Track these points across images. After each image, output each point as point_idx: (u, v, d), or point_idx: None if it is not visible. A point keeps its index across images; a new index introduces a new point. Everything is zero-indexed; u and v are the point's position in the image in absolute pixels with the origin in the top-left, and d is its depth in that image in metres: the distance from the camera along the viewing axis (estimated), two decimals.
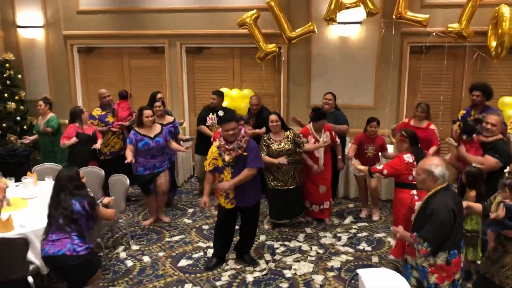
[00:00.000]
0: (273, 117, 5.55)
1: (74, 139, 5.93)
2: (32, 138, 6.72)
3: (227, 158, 4.54)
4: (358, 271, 2.53)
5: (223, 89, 7.33)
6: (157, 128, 5.74)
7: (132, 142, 5.57)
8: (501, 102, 6.56)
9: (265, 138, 5.60)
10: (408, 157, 4.61)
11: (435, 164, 3.37)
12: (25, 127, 7.84)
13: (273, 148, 5.49)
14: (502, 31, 6.20)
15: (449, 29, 6.56)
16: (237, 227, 5.05)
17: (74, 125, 6.06)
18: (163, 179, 5.77)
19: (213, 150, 4.69)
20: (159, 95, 6.69)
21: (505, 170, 4.83)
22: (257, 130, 6.28)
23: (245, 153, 4.54)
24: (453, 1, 6.76)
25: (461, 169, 4.83)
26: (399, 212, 4.63)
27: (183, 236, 5.67)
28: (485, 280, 3.64)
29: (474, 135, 4.81)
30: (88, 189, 4.05)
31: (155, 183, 5.75)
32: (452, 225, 3.25)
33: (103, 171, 5.64)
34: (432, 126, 5.76)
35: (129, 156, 5.45)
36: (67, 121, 6.27)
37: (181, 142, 6.46)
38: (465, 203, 3.72)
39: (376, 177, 5.14)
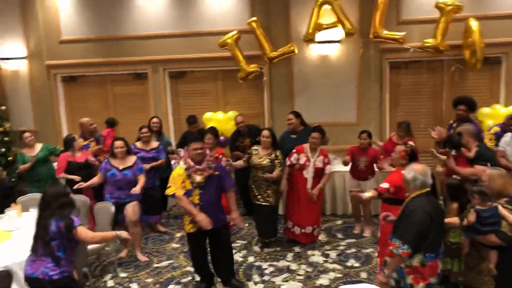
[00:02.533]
0: (265, 132, 5.63)
1: (74, 177, 5.86)
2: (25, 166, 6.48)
3: (198, 178, 4.45)
4: (341, 287, 2.54)
5: (208, 113, 7.40)
6: (131, 160, 5.64)
7: (101, 170, 5.56)
8: (481, 113, 6.69)
9: (253, 148, 5.70)
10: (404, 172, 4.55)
11: (409, 169, 3.51)
12: (9, 158, 7.78)
13: (254, 160, 5.59)
14: (472, 42, 6.40)
15: (426, 44, 6.71)
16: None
17: (66, 154, 6.06)
18: (130, 209, 5.52)
19: (179, 172, 4.52)
20: (154, 120, 6.81)
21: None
22: (237, 163, 5.94)
23: (216, 172, 4.53)
24: (427, 17, 6.92)
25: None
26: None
27: (172, 261, 5.63)
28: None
29: (461, 148, 4.87)
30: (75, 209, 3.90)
31: (122, 213, 5.56)
32: (428, 227, 3.32)
33: (88, 199, 5.61)
34: (410, 142, 5.78)
35: (92, 181, 5.52)
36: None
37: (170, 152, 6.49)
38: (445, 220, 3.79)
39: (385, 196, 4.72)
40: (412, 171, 3.53)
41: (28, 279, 3.64)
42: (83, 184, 5.52)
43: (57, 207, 3.67)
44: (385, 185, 4.47)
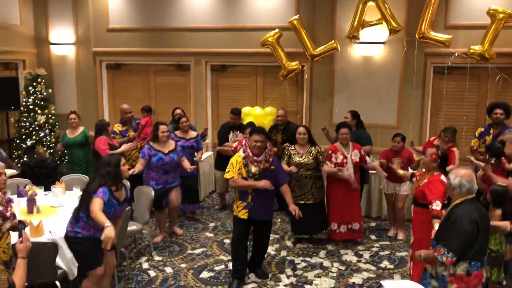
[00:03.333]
0: (301, 129, 5.65)
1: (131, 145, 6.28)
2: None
3: (253, 169, 4.57)
4: (382, 282, 2.55)
5: (246, 108, 7.47)
6: (172, 144, 5.79)
7: (144, 156, 5.61)
8: None
9: (290, 148, 5.71)
10: (443, 178, 4.28)
11: (454, 174, 3.41)
12: (53, 139, 8.07)
13: (295, 159, 5.59)
14: None
15: (471, 50, 6.59)
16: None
17: (103, 138, 6.20)
18: (174, 194, 5.78)
19: (238, 160, 4.65)
20: (177, 111, 6.90)
21: None
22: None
23: (272, 167, 4.61)
24: (476, 22, 6.80)
25: (485, 190, 4.79)
26: (426, 233, 4.32)
27: (205, 249, 5.73)
28: None
29: (502, 158, 4.77)
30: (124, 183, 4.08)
31: (166, 198, 5.80)
32: (475, 236, 3.24)
33: (128, 183, 5.76)
34: (454, 149, 5.72)
35: (137, 168, 5.50)
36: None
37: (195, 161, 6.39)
38: (492, 223, 3.69)
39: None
40: (459, 176, 3.38)
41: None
42: (130, 172, 5.61)
43: (102, 173, 3.85)
44: (437, 205, 4.08)
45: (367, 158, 5.81)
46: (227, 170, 4.70)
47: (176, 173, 5.84)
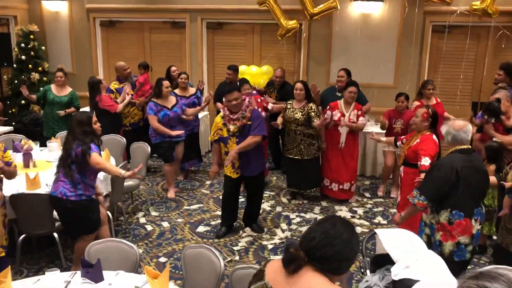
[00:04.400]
0: (298, 85, 5.63)
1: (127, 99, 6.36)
2: (68, 110, 6.44)
3: (232, 128, 4.60)
4: (376, 230, 2.58)
5: (242, 66, 7.38)
6: (173, 99, 5.87)
7: (155, 113, 5.62)
8: None
9: (288, 102, 5.75)
10: (435, 137, 4.24)
11: (445, 124, 3.43)
12: None
13: (288, 113, 5.65)
14: None
15: (474, 6, 6.48)
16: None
17: (105, 96, 6.13)
18: (180, 148, 5.96)
19: (217, 120, 4.75)
20: (173, 68, 6.90)
21: None
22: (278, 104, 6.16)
23: (249, 122, 4.59)
24: None
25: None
26: None
27: (201, 205, 5.80)
28: (501, 250, 3.68)
29: (501, 116, 4.76)
30: (100, 136, 4.01)
31: (174, 151, 5.89)
32: (453, 184, 3.23)
33: (124, 139, 5.77)
34: (439, 99, 5.87)
35: (171, 132, 5.59)
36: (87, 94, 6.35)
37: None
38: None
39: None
40: (447, 126, 3.40)
41: (50, 198, 3.86)
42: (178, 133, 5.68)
43: (80, 133, 3.79)
44: (426, 161, 3.98)
45: (360, 118, 5.69)
46: (212, 131, 4.84)
47: (181, 126, 5.88)
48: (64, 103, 6.41)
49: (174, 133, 5.62)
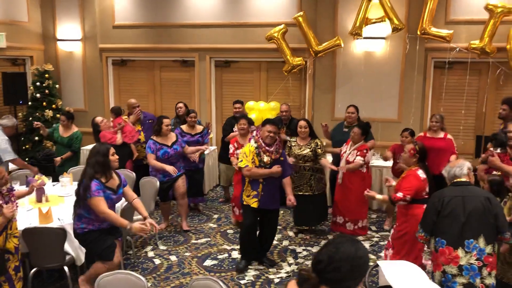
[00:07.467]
0: (302, 122, 5.77)
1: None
2: (64, 156, 6.63)
3: (266, 159, 4.74)
4: (378, 262, 2.65)
5: (250, 102, 7.58)
6: (173, 136, 5.94)
7: (153, 151, 5.73)
8: None
9: (291, 140, 5.86)
10: (422, 173, 4.28)
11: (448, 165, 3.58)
12: None
13: (294, 151, 5.74)
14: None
15: (472, 45, 6.68)
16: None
17: (105, 132, 6.34)
18: (180, 182, 5.93)
19: (251, 149, 4.78)
20: (179, 105, 7.10)
21: None
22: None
23: (281, 158, 4.78)
24: (476, 18, 6.89)
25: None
26: (415, 228, 4.22)
27: (209, 239, 5.86)
28: (502, 285, 3.69)
29: (507, 147, 4.84)
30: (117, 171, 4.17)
31: (173, 190, 5.96)
32: (438, 212, 3.34)
33: (134, 174, 5.92)
34: (449, 136, 5.90)
35: (168, 167, 5.60)
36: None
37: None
38: None
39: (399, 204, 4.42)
40: (446, 167, 3.58)
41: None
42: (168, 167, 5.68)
43: (92, 162, 3.93)
44: (399, 194, 4.15)
45: (357, 158, 5.72)
46: (240, 159, 4.87)
47: (180, 162, 6.00)
48: (64, 143, 6.63)
49: (168, 168, 5.59)
